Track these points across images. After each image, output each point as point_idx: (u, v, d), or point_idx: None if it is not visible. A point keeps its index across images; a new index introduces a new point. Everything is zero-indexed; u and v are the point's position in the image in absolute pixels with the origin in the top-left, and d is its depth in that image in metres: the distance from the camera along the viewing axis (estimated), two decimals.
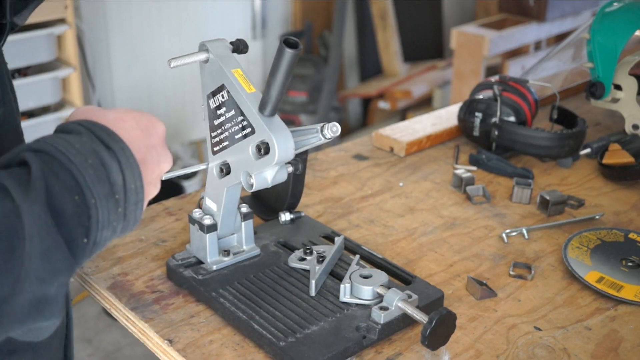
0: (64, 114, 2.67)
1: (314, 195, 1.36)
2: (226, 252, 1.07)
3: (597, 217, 1.30)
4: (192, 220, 1.06)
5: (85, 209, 0.68)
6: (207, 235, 1.04)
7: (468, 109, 1.54)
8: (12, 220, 0.63)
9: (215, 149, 1.01)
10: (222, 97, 0.96)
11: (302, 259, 1.08)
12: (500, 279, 1.12)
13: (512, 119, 1.50)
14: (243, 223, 1.08)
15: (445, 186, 1.41)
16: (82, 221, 0.68)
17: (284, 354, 0.90)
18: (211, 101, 0.99)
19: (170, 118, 3.59)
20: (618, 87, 1.57)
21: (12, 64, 0.93)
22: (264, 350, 0.93)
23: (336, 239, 1.11)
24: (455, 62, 3.14)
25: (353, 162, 1.50)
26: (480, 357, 0.96)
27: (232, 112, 0.95)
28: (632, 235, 1.23)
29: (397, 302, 0.95)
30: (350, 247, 1.14)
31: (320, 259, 1.05)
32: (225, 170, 0.99)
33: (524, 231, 1.24)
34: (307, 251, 1.08)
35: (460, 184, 1.39)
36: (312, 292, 1.00)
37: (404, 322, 0.98)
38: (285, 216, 1.19)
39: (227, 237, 1.08)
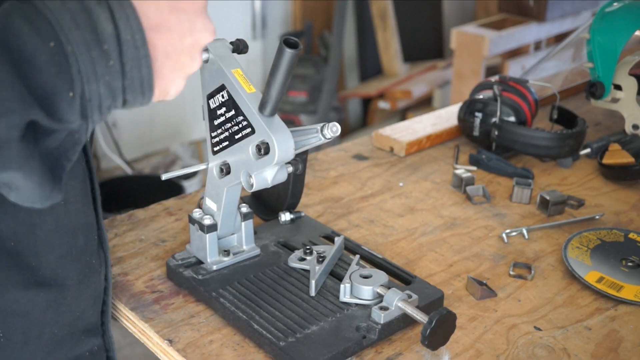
0: None
1: (314, 195, 1.36)
2: (226, 252, 1.07)
3: (597, 217, 1.30)
4: (192, 220, 1.06)
5: (63, 57, 0.64)
6: (207, 235, 1.04)
7: (468, 109, 1.54)
8: None
9: (215, 149, 1.01)
10: (222, 97, 0.96)
11: (302, 259, 1.08)
12: (500, 279, 1.12)
13: (512, 119, 1.50)
14: (243, 223, 1.08)
15: (445, 186, 1.41)
16: (61, 71, 0.64)
17: (284, 354, 0.90)
18: (211, 101, 0.99)
19: (170, 118, 3.59)
20: (618, 87, 1.57)
21: None
22: (264, 350, 0.93)
23: (336, 239, 1.11)
24: (455, 62, 3.14)
25: (353, 162, 1.50)
26: (480, 357, 0.96)
27: (232, 112, 0.95)
28: (632, 235, 1.23)
29: (397, 302, 0.95)
30: (350, 247, 1.14)
31: (320, 259, 1.05)
32: (225, 170, 0.99)
33: (524, 231, 1.24)
34: (307, 251, 1.08)
35: (460, 184, 1.39)
36: (312, 292, 1.00)
37: (404, 322, 0.98)
38: (285, 216, 1.19)
39: (227, 237, 1.08)
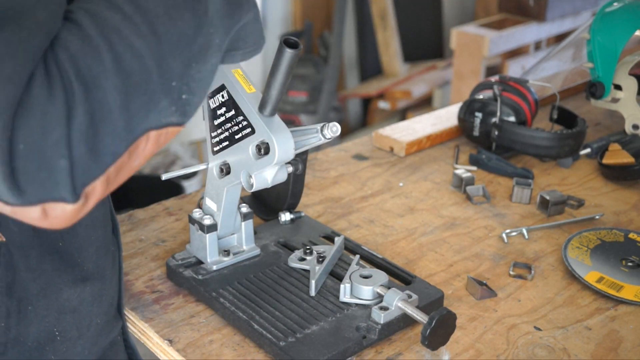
0: None
1: (314, 195, 1.36)
2: (226, 252, 1.07)
3: (597, 217, 1.30)
4: (192, 220, 1.06)
5: None
6: (207, 235, 1.04)
7: (468, 109, 1.54)
8: None
9: (215, 149, 1.01)
10: (222, 97, 0.96)
11: (302, 259, 1.08)
12: (500, 279, 1.12)
13: (512, 119, 1.50)
14: (243, 223, 1.08)
15: (445, 186, 1.41)
16: None
17: (284, 354, 0.90)
18: (211, 101, 0.99)
19: None
20: (618, 87, 1.57)
21: None
22: (264, 350, 0.93)
23: (336, 239, 1.11)
24: (455, 62, 3.13)
25: (353, 162, 1.50)
26: (480, 357, 0.96)
27: (232, 112, 0.95)
28: (632, 235, 1.23)
29: (397, 302, 0.95)
30: (350, 247, 1.14)
31: (320, 259, 1.05)
32: (225, 170, 0.99)
33: (524, 231, 1.24)
34: (307, 251, 1.08)
35: (460, 184, 1.39)
36: (312, 292, 1.00)
37: (404, 322, 0.98)
38: (285, 216, 1.19)
39: (227, 237, 1.08)
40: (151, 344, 0.99)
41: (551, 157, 1.49)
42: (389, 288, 0.98)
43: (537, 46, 3.45)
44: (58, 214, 0.65)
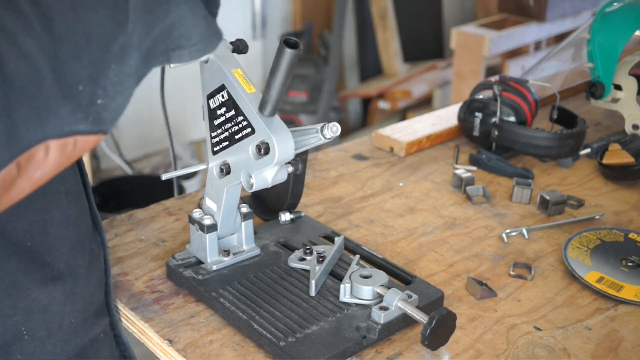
0: None
1: (314, 195, 1.36)
2: (226, 252, 1.07)
3: (597, 217, 1.30)
4: (192, 220, 1.06)
5: None
6: (207, 235, 1.04)
7: (468, 109, 1.54)
8: None
9: (215, 149, 1.01)
10: (222, 97, 0.96)
11: (302, 259, 1.08)
12: (500, 279, 1.12)
13: (512, 119, 1.50)
14: (243, 223, 1.08)
15: (445, 186, 1.41)
16: None
17: (284, 354, 0.90)
18: (211, 101, 0.99)
19: (170, 118, 3.59)
20: (618, 87, 1.57)
21: None
22: (264, 350, 0.93)
23: (336, 239, 1.11)
24: (455, 62, 3.13)
25: (353, 162, 1.50)
26: (480, 357, 0.96)
27: (232, 112, 0.95)
28: (632, 235, 1.23)
29: (397, 302, 0.95)
30: (350, 247, 1.14)
31: (320, 259, 1.05)
32: (225, 170, 0.99)
33: (524, 231, 1.24)
34: (307, 251, 1.08)
35: (460, 184, 1.39)
36: (312, 292, 1.00)
37: (404, 322, 0.98)
38: (285, 216, 1.19)
39: (227, 237, 1.08)
40: (151, 344, 0.99)
41: (551, 157, 1.49)
42: (389, 288, 0.98)
43: (537, 46, 3.45)
44: None
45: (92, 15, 0.64)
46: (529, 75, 1.75)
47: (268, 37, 3.88)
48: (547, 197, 1.31)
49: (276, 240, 1.14)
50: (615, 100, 1.58)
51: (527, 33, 3.20)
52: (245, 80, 0.94)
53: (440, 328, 0.90)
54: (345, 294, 0.99)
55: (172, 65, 0.80)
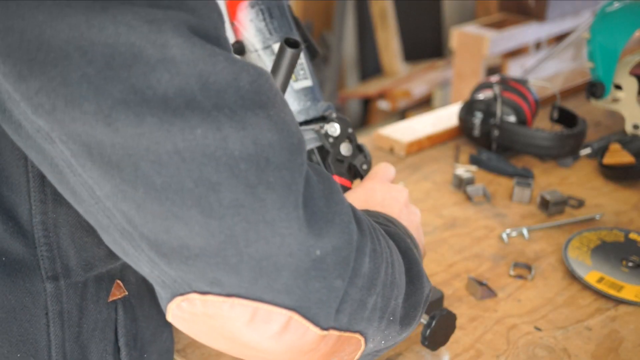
0: None
1: None
2: None
3: (597, 217, 1.30)
4: None
5: None
6: None
7: (468, 109, 1.54)
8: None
9: None
10: None
11: None
12: (500, 279, 1.12)
13: (512, 119, 1.50)
14: None
15: (445, 186, 1.41)
16: None
17: None
18: None
19: None
20: (618, 87, 1.57)
21: None
22: None
23: None
24: (455, 62, 3.13)
25: None
26: (480, 357, 0.96)
27: None
28: (632, 236, 1.22)
29: None
30: None
31: None
32: None
33: (524, 231, 1.24)
34: None
35: (460, 184, 1.39)
36: None
37: None
38: None
39: None
40: None
41: (551, 157, 1.49)
42: None
43: (537, 46, 3.45)
44: (297, 334, 0.60)
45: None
46: (529, 75, 1.75)
47: None
48: (548, 197, 1.31)
49: None
50: (615, 100, 1.58)
51: (527, 33, 3.20)
52: None
53: (440, 328, 0.90)
54: None
55: None
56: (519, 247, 1.21)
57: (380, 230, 0.69)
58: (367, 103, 4.13)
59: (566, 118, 1.56)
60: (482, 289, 1.07)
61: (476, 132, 1.52)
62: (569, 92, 1.85)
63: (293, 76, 0.95)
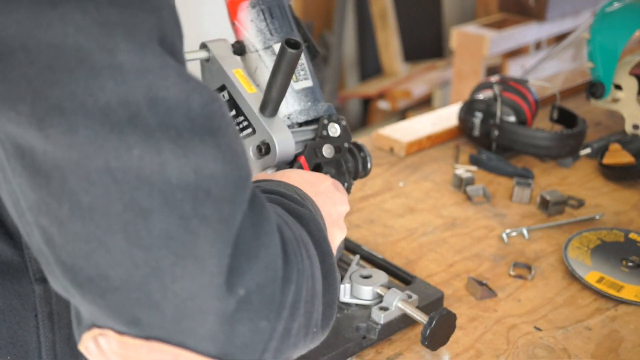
0: None
1: None
2: None
3: (597, 217, 1.30)
4: None
5: None
6: None
7: (468, 109, 1.54)
8: None
9: None
10: (223, 97, 0.96)
11: None
12: (500, 279, 1.12)
13: (512, 119, 1.50)
14: None
15: (445, 186, 1.41)
16: None
17: None
18: None
19: None
20: (618, 87, 1.57)
21: None
22: None
23: None
24: (455, 62, 3.13)
25: None
26: (480, 357, 0.96)
27: (233, 112, 0.95)
28: (632, 236, 1.23)
29: (397, 302, 0.95)
30: (350, 247, 1.14)
31: None
32: None
33: (524, 231, 1.24)
34: None
35: (460, 184, 1.39)
36: None
37: (404, 322, 0.98)
38: None
39: None
40: None
41: (551, 157, 1.49)
42: (389, 288, 0.98)
43: (537, 46, 3.45)
44: None
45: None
46: (529, 75, 1.75)
47: None
48: (548, 197, 1.31)
49: None
50: (615, 100, 1.58)
51: (527, 33, 3.20)
52: (246, 80, 0.94)
53: (440, 328, 0.90)
54: (345, 294, 0.99)
55: None
56: (519, 247, 1.21)
57: (302, 238, 0.64)
58: (367, 103, 4.13)
59: (566, 118, 1.56)
60: (482, 289, 1.08)
61: (476, 132, 1.52)
62: (569, 92, 1.85)
63: (293, 76, 0.95)
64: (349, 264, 1.07)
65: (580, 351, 0.97)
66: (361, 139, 1.62)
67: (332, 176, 0.96)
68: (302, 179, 0.80)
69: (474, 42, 3.02)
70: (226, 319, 0.53)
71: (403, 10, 4.06)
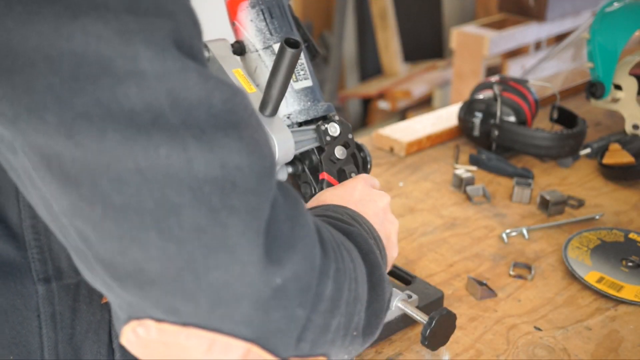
0: None
1: None
2: None
3: (597, 217, 1.30)
4: None
5: None
6: None
7: (468, 109, 1.54)
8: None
9: None
10: None
11: None
12: (500, 279, 1.12)
13: (512, 119, 1.50)
14: None
15: (445, 186, 1.41)
16: None
17: None
18: None
19: None
20: (618, 87, 1.57)
21: None
22: None
23: None
24: (455, 62, 3.13)
25: None
26: (480, 357, 0.96)
27: None
28: (632, 236, 1.23)
29: (397, 302, 0.95)
30: None
31: None
32: None
33: (524, 231, 1.24)
34: None
35: (460, 184, 1.39)
36: None
37: (404, 322, 0.98)
38: None
39: None
40: None
41: (551, 157, 1.49)
42: None
43: (537, 46, 3.45)
44: None
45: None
46: (529, 75, 1.75)
47: None
48: (547, 197, 1.31)
49: None
50: (615, 100, 1.58)
51: (527, 33, 3.20)
52: (246, 80, 0.94)
53: (440, 328, 0.90)
54: None
55: None
56: (519, 247, 1.21)
57: (344, 244, 0.67)
58: (367, 103, 4.13)
59: (566, 118, 1.56)
60: (482, 289, 1.08)
61: (476, 132, 1.52)
62: (569, 92, 1.85)
63: (293, 76, 0.95)
64: None
65: (580, 351, 0.97)
66: (361, 139, 1.62)
67: (332, 174, 0.96)
68: (337, 197, 0.83)
69: (474, 42, 3.02)
70: (260, 305, 0.55)
71: (403, 10, 4.06)
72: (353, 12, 4.02)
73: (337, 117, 0.96)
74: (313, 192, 0.97)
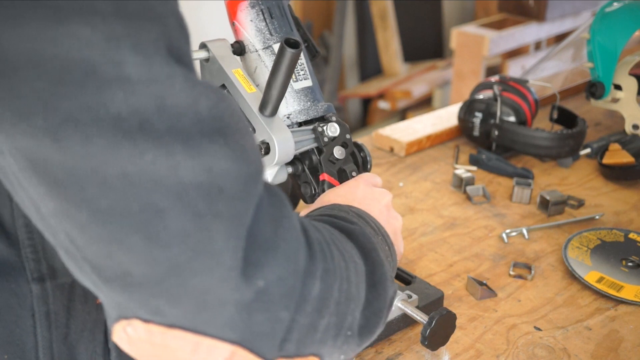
0: None
1: None
2: None
3: (597, 217, 1.30)
4: None
5: None
6: None
7: (468, 109, 1.54)
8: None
9: None
10: None
11: None
12: (500, 279, 1.12)
13: (512, 119, 1.50)
14: None
15: (445, 186, 1.41)
16: None
17: None
18: None
19: None
20: (618, 87, 1.57)
21: None
22: None
23: None
24: (455, 62, 3.13)
25: None
26: (480, 357, 0.96)
27: None
28: (632, 235, 1.23)
29: (397, 302, 0.95)
30: None
31: None
32: None
33: (524, 231, 1.24)
34: None
35: (460, 184, 1.39)
36: None
37: (404, 322, 0.98)
38: None
39: None
40: None
41: (551, 157, 1.49)
42: None
43: (537, 46, 3.45)
44: None
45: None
46: (529, 75, 1.75)
47: None
48: (547, 197, 1.31)
49: None
50: (615, 100, 1.58)
51: (527, 33, 3.20)
52: (246, 80, 0.94)
53: (440, 328, 0.90)
54: None
55: None
56: (519, 247, 1.22)
57: (337, 243, 0.67)
58: (367, 103, 4.13)
59: (566, 118, 1.56)
60: (482, 289, 1.08)
61: (476, 132, 1.52)
62: (569, 92, 1.85)
63: (293, 76, 0.95)
64: None
65: (580, 351, 0.97)
66: (361, 139, 1.62)
67: (332, 175, 0.96)
68: (340, 197, 0.84)
69: (474, 42, 3.02)
70: (244, 308, 0.56)
71: (403, 11, 4.06)
72: (353, 12, 4.02)
73: (334, 118, 0.96)
74: (313, 192, 0.97)
